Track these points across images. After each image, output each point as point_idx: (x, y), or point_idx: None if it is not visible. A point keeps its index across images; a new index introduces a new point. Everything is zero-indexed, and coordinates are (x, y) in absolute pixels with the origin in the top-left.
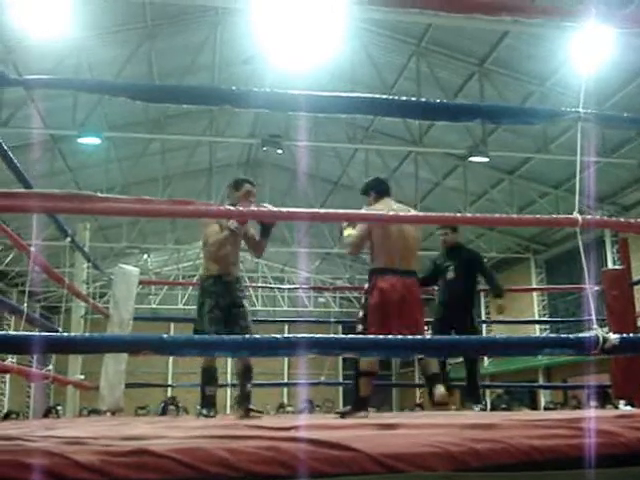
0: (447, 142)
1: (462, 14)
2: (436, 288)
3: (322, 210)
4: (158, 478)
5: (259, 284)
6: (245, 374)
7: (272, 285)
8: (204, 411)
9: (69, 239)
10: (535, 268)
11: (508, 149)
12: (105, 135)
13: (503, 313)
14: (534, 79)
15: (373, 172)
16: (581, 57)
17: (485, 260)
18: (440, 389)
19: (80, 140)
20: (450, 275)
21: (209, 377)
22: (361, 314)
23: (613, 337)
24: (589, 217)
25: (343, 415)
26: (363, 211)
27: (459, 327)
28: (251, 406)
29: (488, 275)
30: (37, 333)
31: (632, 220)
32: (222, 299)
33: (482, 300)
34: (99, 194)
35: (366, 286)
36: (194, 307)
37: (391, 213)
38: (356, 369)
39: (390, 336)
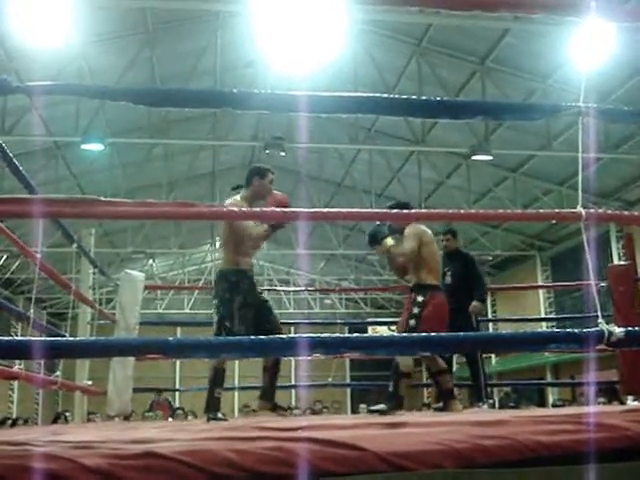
0: (450, 141)
1: (462, 11)
2: None
3: (334, 210)
4: None
5: (265, 287)
6: (273, 369)
7: (278, 288)
8: (213, 415)
9: (75, 245)
10: (541, 265)
11: (511, 147)
12: (108, 141)
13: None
14: (536, 76)
15: (376, 172)
16: (582, 53)
17: (490, 259)
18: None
19: (83, 146)
20: (448, 280)
21: (219, 378)
22: (413, 323)
23: (618, 331)
24: (592, 211)
25: (384, 412)
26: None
27: (460, 330)
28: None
29: (475, 280)
30: (44, 338)
31: (636, 213)
32: (250, 296)
33: (488, 299)
34: (103, 198)
35: (419, 298)
36: (200, 311)
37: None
38: (395, 371)
39: (395, 334)
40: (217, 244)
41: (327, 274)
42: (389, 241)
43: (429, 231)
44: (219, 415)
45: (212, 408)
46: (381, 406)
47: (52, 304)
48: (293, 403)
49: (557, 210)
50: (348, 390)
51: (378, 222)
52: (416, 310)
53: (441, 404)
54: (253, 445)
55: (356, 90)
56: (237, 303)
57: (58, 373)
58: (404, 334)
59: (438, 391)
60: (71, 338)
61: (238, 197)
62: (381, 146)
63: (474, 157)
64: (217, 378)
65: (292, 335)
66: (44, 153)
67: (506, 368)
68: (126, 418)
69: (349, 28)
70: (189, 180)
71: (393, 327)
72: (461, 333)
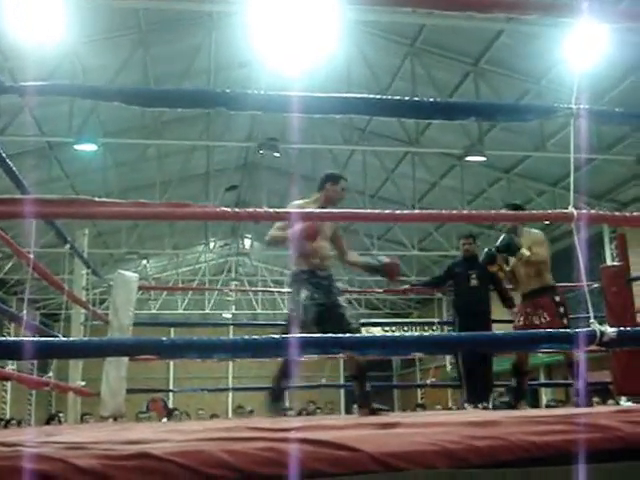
0: (444, 142)
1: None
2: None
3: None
4: None
5: (259, 288)
6: (360, 374)
7: (272, 289)
8: (281, 404)
9: (68, 246)
10: None
11: (505, 148)
12: (101, 141)
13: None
14: (529, 77)
15: (370, 173)
16: (576, 54)
17: None
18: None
19: (76, 147)
20: (474, 282)
21: (287, 371)
22: (565, 321)
23: (610, 331)
24: (584, 212)
25: (511, 406)
26: None
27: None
28: (375, 406)
29: (503, 289)
30: (37, 338)
31: (627, 214)
32: (317, 294)
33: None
34: (96, 199)
35: (557, 298)
36: (194, 312)
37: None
38: (517, 370)
39: (387, 334)
40: (211, 245)
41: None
42: (525, 251)
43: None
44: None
45: (278, 400)
46: (507, 399)
47: (45, 305)
48: (286, 404)
49: (549, 211)
50: (342, 391)
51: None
52: (562, 309)
53: (507, 399)
54: (246, 446)
55: (349, 90)
56: (302, 297)
57: (51, 374)
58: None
59: (517, 389)
60: (64, 338)
61: (301, 202)
62: (375, 147)
63: (468, 158)
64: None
65: (286, 335)
66: (37, 153)
67: (500, 369)
68: (116, 419)
69: (343, 28)
70: (183, 180)
71: (387, 328)
72: (454, 334)
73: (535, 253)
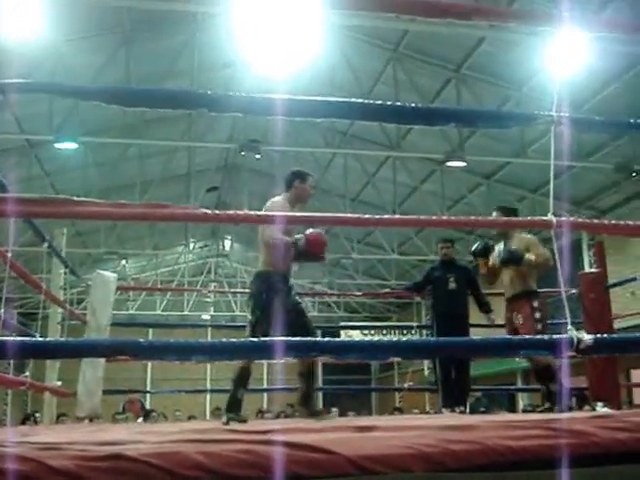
0: (425, 147)
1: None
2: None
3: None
4: None
5: (238, 289)
6: (309, 373)
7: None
8: (234, 415)
9: (46, 245)
10: None
11: (485, 154)
12: (82, 140)
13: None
14: (511, 84)
15: (351, 177)
16: (556, 62)
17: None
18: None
19: (57, 145)
20: (452, 286)
21: (245, 378)
22: (540, 327)
23: (587, 338)
24: (563, 219)
25: (550, 410)
26: None
27: (462, 335)
28: (317, 408)
29: (480, 294)
30: (14, 338)
31: (605, 221)
32: (286, 298)
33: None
34: (75, 198)
35: (535, 304)
36: (173, 313)
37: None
38: (546, 373)
39: (367, 338)
40: (191, 246)
41: (300, 277)
42: (530, 255)
43: None
44: (241, 416)
45: (234, 408)
46: (547, 405)
47: (22, 304)
48: (265, 406)
49: (529, 217)
50: (320, 393)
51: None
52: (538, 315)
53: (547, 405)
54: (223, 448)
55: (332, 94)
56: (273, 305)
57: (27, 373)
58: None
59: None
60: (41, 338)
61: (280, 198)
62: (356, 150)
63: (448, 163)
64: (243, 378)
65: (263, 338)
66: (17, 151)
67: (477, 373)
68: (92, 420)
69: (326, 32)
70: (164, 181)
71: (366, 331)
72: (432, 339)
73: (539, 254)
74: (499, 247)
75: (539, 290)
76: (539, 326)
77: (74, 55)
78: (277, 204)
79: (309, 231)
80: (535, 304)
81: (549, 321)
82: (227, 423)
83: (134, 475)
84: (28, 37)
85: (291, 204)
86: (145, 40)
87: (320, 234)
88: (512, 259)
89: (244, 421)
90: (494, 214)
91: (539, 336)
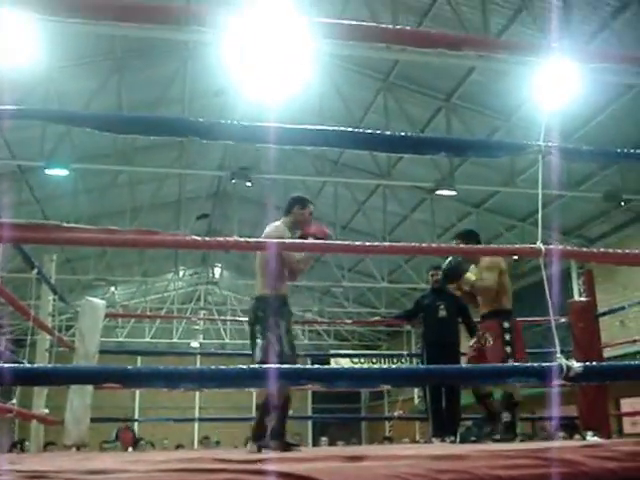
0: (415, 175)
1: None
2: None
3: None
4: None
5: (228, 317)
6: (283, 406)
7: (241, 318)
8: (265, 442)
9: (36, 271)
10: None
11: (475, 182)
12: (73, 166)
13: None
14: (500, 114)
15: (342, 205)
16: (545, 92)
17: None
18: None
19: (47, 171)
20: (442, 314)
21: (287, 404)
22: (509, 350)
23: (576, 366)
24: (552, 247)
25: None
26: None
27: (452, 362)
28: (288, 441)
29: (471, 321)
30: (1, 364)
31: (594, 250)
32: (290, 322)
33: None
34: (65, 224)
35: (506, 324)
36: (162, 340)
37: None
38: (509, 402)
39: (357, 366)
40: (180, 273)
41: (291, 305)
42: (471, 275)
43: (502, 259)
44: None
45: (261, 436)
46: (497, 436)
47: (11, 330)
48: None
49: (517, 245)
50: (309, 422)
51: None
52: (508, 337)
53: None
54: (210, 477)
55: (322, 122)
56: (283, 327)
57: (14, 401)
58: (454, 365)
59: (512, 422)
60: (29, 365)
61: (280, 223)
62: (347, 179)
63: (438, 192)
64: (269, 406)
65: (252, 366)
66: (7, 177)
67: (468, 402)
68: (79, 448)
69: (317, 61)
70: (154, 208)
71: (356, 360)
72: (422, 367)
73: (484, 279)
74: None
75: (509, 309)
76: (508, 348)
77: (66, 81)
78: (277, 229)
79: (314, 229)
80: (506, 325)
81: (538, 350)
82: (259, 451)
83: None
84: (21, 63)
85: (290, 229)
86: (137, 67)
87: (323, 228)
88: (449, 274)
89: (297, 445)
90: (453, 243)
91: (510, 361)
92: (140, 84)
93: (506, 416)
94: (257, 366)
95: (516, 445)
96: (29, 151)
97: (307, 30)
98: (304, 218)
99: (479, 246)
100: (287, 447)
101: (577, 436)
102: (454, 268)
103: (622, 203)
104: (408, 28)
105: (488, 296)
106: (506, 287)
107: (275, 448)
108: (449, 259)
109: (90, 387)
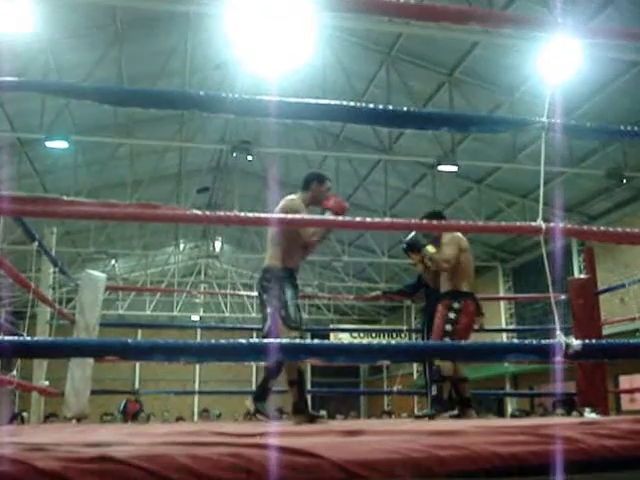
0: (417, 151)
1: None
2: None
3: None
4: None
5: (228, 290)
6: (300, 380)
7: (241, 292)
8: (314, 412)
9: (36, 243)
10: (502, 277)
11: (477, 158)
12: (73, 139)
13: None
14: (503, 89)
15: (343, 179)
16: (549, 68)
17: None
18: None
19: (48, 144)
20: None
21: (303, 379)
22: (449, 327)
23: (576, 343)
24: (552, 225)
25: (431, 417)
26: None
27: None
28: (312, 412)
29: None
30: (1, 337)
31: (594, 228)
32: (296, 294)
33: None
34: (65, 197)
35: (455, 305)
36: (162, 313)
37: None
38: (438, 376)
39: (355, 342)
40: (181, 246)
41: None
42: (430, 248)
43: (465, 239)
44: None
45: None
46: (426, 411)
47: (11, 302)
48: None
49: (518, 223)
50: (309, 396)
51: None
52: (452, 315)
53: (456, 411)
54: (210, 451)
55: (325, 96)
56: (289, 295)
57: (14, 373)
58: (433, 340)
59: (457, 398)
60: (29, 338)
61: (296, 198)
62: (348, 153)
63: (440, 167)
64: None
65: (252, 340)
66: (7, 149)
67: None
68: (80, 420)
69: (320, 34)
70: (154, 180)
71: (355, 334)
72: (421, 342)
73: (441, 253)
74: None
75: (464, 291)
76: (448, 326)
77: (66, 53)
78: (294, 203)
79: (332, 202)
80: (455, 305)
81: (538, 327)
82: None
83: (121, 477)
84: (21, 34)
85: (305, 205)
86: (137, 39)
87: (341, 202)
88: (409, 245)
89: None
90: None
91: (446, 339)
92: (140, 56)
93: (433, 389)
94: (258, 340)
95: (515, 421)
96: (29, 123)
97: (309, 2)
98: (322, 195)
99: (479, 223)
100: (312, 419)
101: (575, 413)
102: (412, 241)
103: (624, 180)
104: (412, 1)
105: (445, 275)
106: (465, 268)
107: (301, 422)
108: (412, 233)
109: (90, 359)
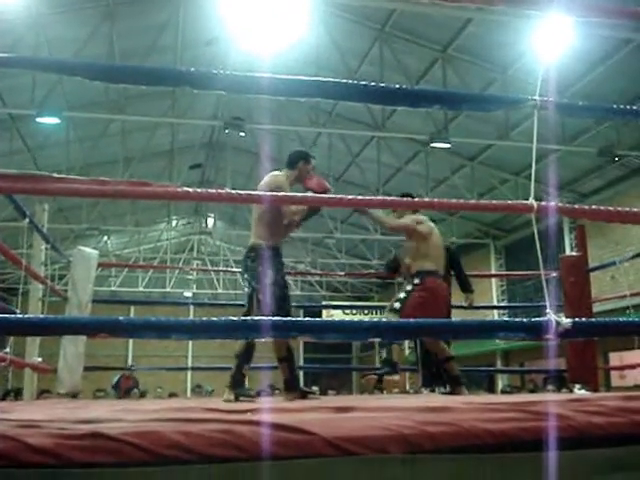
0: (409, 127)
1: None
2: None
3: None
4: (112, 461)
5: (221, 267)
6: (289, 357)
7: (234, 269)
8: (240, 390)
9: (27, 220)
10: (494, 254)
11: (470, 135)
12: (64, 115)
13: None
14: (496, 67)
15: (336, 156)
16: (543, 46)
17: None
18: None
19: (39, 120)
20: None
21: (250, 354)
22: (397, 305)
23: (566, 321)
24: (544, 203)
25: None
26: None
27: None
28: (304, 388)
29: (462, 273)
30: None
31: (586, 207)
32: (280, 273)
33: None
34: (55, 175)
35: (408, 287)
36: (155, 290)
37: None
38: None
39: (346, 319)
40: (173, 223)
41: (283, 256)
42: (380, 212)
43: (430, 223)
44: (248, 391)
45: (240, 385)
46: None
47: (2, 279)
48: (247, 384)
49: (509, 201)
50: (301, 373)
51: None
52: (402, 295)
53: (448, 389)
54: (202, 427)
55: (318, 73)
56: (269, 278)
57: (7, 349)
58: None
59: (447, 377)
60: (21, 315)
61: (280, 174)
62: (341, 130)
63: (433, 144)
64: (248, 354)
65: (243, 318)
66: None
67: (457, 354)
68: (75, 396)
69: (313, 10)
70: (146, 157)
71: (347, 311)
72: (412, 320)
73: (390, 219)
74: None
75: (424, 270)
76: (396, 304)
77: (57, 28)
78: (278, 180)
79: (314, 182)
80: (408, 287)
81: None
82: (237, 399)
83: (112, 453)
84: (11, 9)
85: (290, 183)
86: (129, 15)
87: (323, 182)
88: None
89: (252, 396)
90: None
91: (394, 316)
92: (132, 32)
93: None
94: (246, 317)
95: (505, 398)
96: (20, 99)
97: None
98: (308, 174)
99: (471, 201)
100: (304, 395)
101: (565, 389)
102: (392, 262)
103: (616, 158)
104: None
105: (412, 260)
106: (426, 248)
107: (293, 398)
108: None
109: (83, 336)
